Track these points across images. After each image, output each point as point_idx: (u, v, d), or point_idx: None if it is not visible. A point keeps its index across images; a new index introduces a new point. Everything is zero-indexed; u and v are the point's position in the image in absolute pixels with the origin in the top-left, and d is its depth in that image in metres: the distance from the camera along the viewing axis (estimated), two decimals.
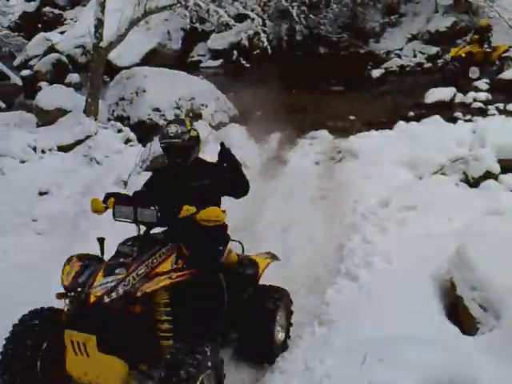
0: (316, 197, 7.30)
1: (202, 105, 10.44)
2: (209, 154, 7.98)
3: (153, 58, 16.08)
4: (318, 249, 5.84)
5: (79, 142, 8.31)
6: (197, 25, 10.89)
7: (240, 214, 6.81)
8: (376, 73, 14.96)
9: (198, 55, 18.23)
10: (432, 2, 16.89)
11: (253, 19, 10.20)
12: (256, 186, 7.65)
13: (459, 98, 11.41)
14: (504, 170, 6.66)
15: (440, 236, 5.33)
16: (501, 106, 10.84)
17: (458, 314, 3.87)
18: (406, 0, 17.40)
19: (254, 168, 8.47)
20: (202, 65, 17.55)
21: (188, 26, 13.33)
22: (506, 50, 13.28)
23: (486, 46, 13.18)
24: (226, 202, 3.97)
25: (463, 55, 13.13)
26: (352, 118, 11.01)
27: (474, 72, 12.94)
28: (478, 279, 3.75)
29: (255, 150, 9.30)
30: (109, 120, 9.94)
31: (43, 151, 7.93)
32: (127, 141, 8.88)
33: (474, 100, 11.32)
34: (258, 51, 10.88)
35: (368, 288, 4.56)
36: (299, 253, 5.74)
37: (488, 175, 6.61)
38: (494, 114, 10.25)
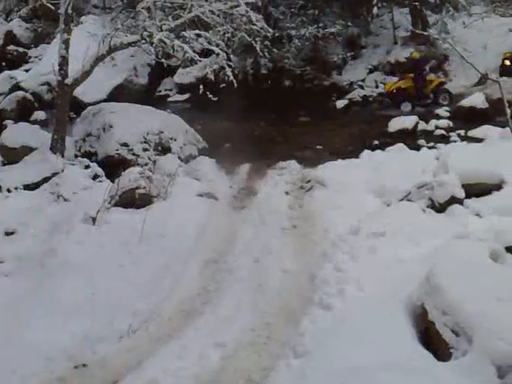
0: (287, 226, 7.30)
1: (171, 138, 10.41)
2: (179, 188, 8.04)
3: (120, 94, 16.02)
4: (291, 279, 5.81)
5: (46, 180, 8.18)
6: (163, 60, 10.94)
7: (210, 246, 6.79)
8: (340, 103, 15.26)
9: (165, 90, 18.28)
10: (391, 35, 17.49)
11: (218, 54, 10.32)
12: (227, 218, 7.74)
13: (422, 125, 11.70)
14: (468, 195, 6.81)
15: (410, 261, 5.39)
16: (462, 132, 11.14)
17: (431, 339, 3.88)
18: (366, 33, 17.95)
19: (224, 199, 8.48)
20: (169, 99, 17.59)
21: (154, 62, 13.41)
22: (440, 84, 13.66)
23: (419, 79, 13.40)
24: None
25: (394, 91, 13.48)
26: (319, 147, 11.16)
27: (405, 106, 13.31)
28: (449, 304, 3.78)
29: (225, 182, 9.32)
30: (76, 156, 9.81)
31: (9, 190, 7.76)
32: (95, 177, 8.76)
33: (436, 127, 11.62)
34: (224, 85, 10.96)
35: (341, 316, 4.55)
36: (272, 284, 5.70)
37: (453, 200, 6.74)
38: (455, 141, 10.52)
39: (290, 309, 5.25)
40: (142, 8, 10.06)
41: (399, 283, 4.85)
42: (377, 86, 16.33)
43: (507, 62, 13.87)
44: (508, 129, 8.61)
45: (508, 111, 2.79)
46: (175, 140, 10.41)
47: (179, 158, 9.96)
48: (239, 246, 6.72)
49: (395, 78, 14.23)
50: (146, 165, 9.30)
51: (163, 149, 10.10)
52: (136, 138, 10.00)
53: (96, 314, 5.23)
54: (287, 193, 8.56)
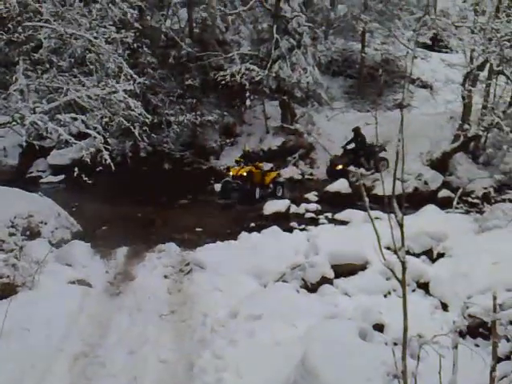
0: (165, 312, 7.05)
1: (41, 222, 9.77)
2: (48, 275, 7.46)
3: None
4: (169, 370, 5.52)
5: None
6: (35, 142, 10.50)
7: (82, 338, 6.28)
8: (218, 187, 15.59)
9: (38, 171, 17.44)
10: (263, 125, 18.63)
11: (95, 137, 10.16)
12: (101, 306, 7.28)
13: (293, 208, 12.32)
14: (337, 275, 7.15)
15: (287, 343, 5.42)
16: (329, 215, 11.90)
17: None
18: (240, 122, 18.93)
19: (98, 286, 8.02)
20: (42, 180, 16.77)
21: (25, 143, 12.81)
22: (276, 176, 14.18)
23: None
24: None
25: (244, 174, 13.37)
26: (198, 229, 11.18)
27: (257, 192, 13.63)
28: None
29: (100, 267, 8.87)
30: None
31: None
32: None
33: (307, 211, 12.31)
34: (101, 167, 10.73)
35: None
36: (148, 376, 5.36)
37: (324, 280, 7.04)
38: (324, 223, 11.18)
39: None
40: (15, 90, 9.69)
41: (277, 367, 4.84)
42: None
43: (339, 167, 14.84)
44: None
45: (366, 200, 3.08)
46: (46, 224, 9.79)
47: (50, 242, 9.34)
48: (113, 337, 6.30)
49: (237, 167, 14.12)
50: (12, 251, 8.54)
51: (32, 233, 9.42)
52: (2, 222, 9.23)
53: None
54: (166, 276, 8.35)
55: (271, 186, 13.99)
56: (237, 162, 13.87)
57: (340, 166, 14.84)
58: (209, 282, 7.70)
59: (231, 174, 13.45)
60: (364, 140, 15.21)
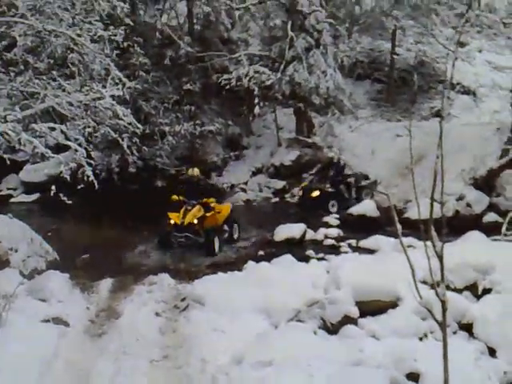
0: (157, 357, 7.00)
1: (11, 249, 9.87)
2: (18, 312, 7.45)
3: None
4: None
5: None
6: (5, 156, 10.59)
7: None
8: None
9: (8, 188, 17.65)
10: (274, 136, 18.72)
11: (76, 150, 10.25)
12: (81, 349, 7.25)
13: (310, 234, 12.32)
14: (362, 314, 7.07)
15: None
16: (353, 242, 11.88)
17: None
18: (247, 133, 19.05)
19: (77, 325, 7.99)
20: (12, 200, 16.96)
21: None
22: (229, 213, 12.46)
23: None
24: None
25: (194, 222, 11.46)
26: (196, 258, 11.21)
27: (216, 245, 11.82)
28: None
29: (80, 303, 8.85)
30: None
31: None
32: None
33: (326, 237, 12.31)
34: (82, 186, 10.81)
35: None
36: None
37: (347, 320, 6.95)
38: (346, 252, 11.16)
39: None
40: None
41: None
42: (261, 190, 17.14)
43: (315, 193, 14.94)
44: None
45: (399, 226, 3.06)
46: (16, 251, 9.89)
47: (21, 273, 9.38)
48: None
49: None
50: None
51: (0, 262, 9.47)
52: None
53: None
54: (158, 314, 8.31)
55: (225, 227, 12.17)
56: (176, 201, 11.64)
57: (317, 193, 14.89)
58: (209, 320, 7.64)
59: (173, 222, 11.40)
60: (342, 166, 15.54)
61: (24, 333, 6.97)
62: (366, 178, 15.91)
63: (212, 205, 11.73)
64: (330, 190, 14.96)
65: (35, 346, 6.83)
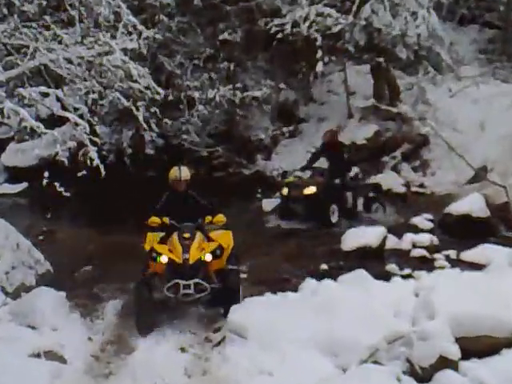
0: None
1: None
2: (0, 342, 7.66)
3: None
4: None
5: None
6: None
7: None
8: (269, 204, 15.62)
9: None
10: (343, 104, 18.57)
11: (76, 124, 10.37)
12: None
13: (392, 242, 12.18)
14: (466, 354, 6.96)
15: None
16: (452, 253, 11.65)
17: None
18: (306, 99, 18.97)
19: (77, 362, 8.14)
20: None
21: None
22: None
23: None
24: None
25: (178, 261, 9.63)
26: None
27: None
28: None
29: (80, 331, 9.02)
30: None
31: None
32: None
33: (414, 245, 12.15)
34: (84, 172, 10.98)
35: None
36: None
37: (443, 363, 6.85)
38: (443, 267, 10.91)
39: None
40: None
41: None
42: None
43: (309, 190, 14.24)
44: None
45: None
46: None
47: (3, 290, 9.66)
48: None
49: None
50: None
51: None
52: None
53: None
54: (183, 349, 8.41)
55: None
56: (157, 225, 9.65)
57: (311, 189, 14.13)
58: (252, 359, 7.66)
59: (166, 260, 9.14)
60: (342, 154, 14.90)
61: (6, 371, 7.13)
62: (379, 187, 15.44)
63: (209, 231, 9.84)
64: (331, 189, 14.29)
65: None
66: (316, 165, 15.18)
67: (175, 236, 9.22)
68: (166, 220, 9.50)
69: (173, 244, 9.16)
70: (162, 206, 9.79)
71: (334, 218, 14.17)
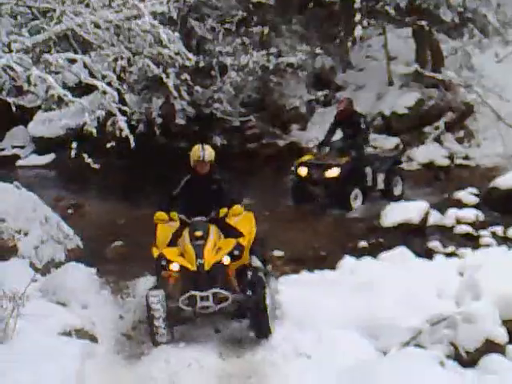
0: None
1: (19, 231, 10.22)
2: (28, 321, 7.70)
3: None
4: None
5: None
6: (9, 99, 10.84)
7: None
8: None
9: (14, 147, 18.20)
10: (383, 70, 18.39)
11: (104, 92, 10.37)
12: (113, 376, 7.41)
13: (435, 217, 12.16)
14: None
15: None
16: (499, 230, 11.63)
17: None
18: (344, 66, 18.82)
19: (109, 341, 8.26)
20: (19, 162, 17.49)
21: None
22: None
23: None
24: None
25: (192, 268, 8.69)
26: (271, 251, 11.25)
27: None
28: None
29: (112, 309, 9.11)
30: None
31: None
32: None
33: (458, 222, 12.12)
34: (113, 143, 11.02)
35: None
36: None
37: (489, 347, 6.82)
38: (489, 245, 10.92)
39: None
40: None
41: None
42: None
43: (332, 172, 13.57)
44: None
45: None
46: (26, 235, 10.21)
47: (32, 265, 9.73)
48: None
49: None
50: None
51: (4, 249, 9.90)
52: None
53: None
54: (217, 330, 8.43)
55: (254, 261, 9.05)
56: (165, 220, 8.88)
57: (335, 171, 13.49)
58: (289, 341, 7.70)
59: (177, 268, 8.23)
60: (358, 125, 14.04)
61: (35, 350, 7.17)
62: (399, 158, 15.07)
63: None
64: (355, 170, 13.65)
65: (50, 368, 6.99)
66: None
67: (186, 234, 8.42)
68: (175, 216, 8.79)
69: (184, 246, 8.34)
70: (180, 192, 9.01)
71: (356, 204, 13.54)
